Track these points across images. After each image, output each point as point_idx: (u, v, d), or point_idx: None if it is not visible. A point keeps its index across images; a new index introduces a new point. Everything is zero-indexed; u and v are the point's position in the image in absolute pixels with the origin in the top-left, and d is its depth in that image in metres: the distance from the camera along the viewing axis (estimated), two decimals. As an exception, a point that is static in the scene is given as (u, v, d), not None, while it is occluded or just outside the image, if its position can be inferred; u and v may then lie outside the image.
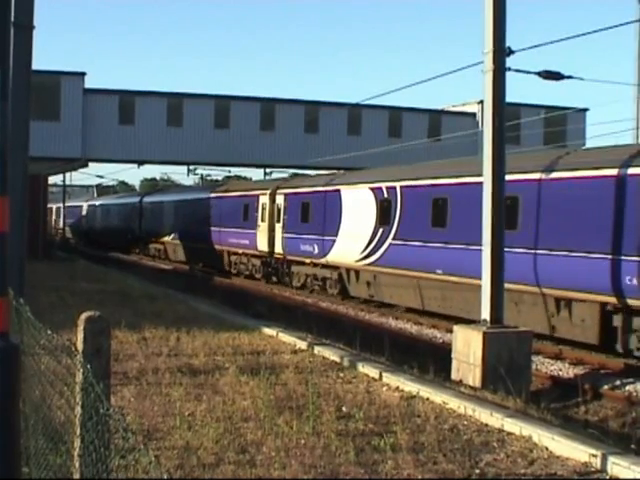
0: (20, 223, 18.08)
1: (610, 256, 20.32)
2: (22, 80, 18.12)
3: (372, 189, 32.62)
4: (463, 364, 17.36)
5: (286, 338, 19.15)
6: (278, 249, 40.68)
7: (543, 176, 23.26)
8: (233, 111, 51.20)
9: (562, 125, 51.99)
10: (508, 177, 20.13)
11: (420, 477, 9.22)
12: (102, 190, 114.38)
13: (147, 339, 18.30)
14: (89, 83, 49.51)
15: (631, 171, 20.16)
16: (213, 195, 52.09)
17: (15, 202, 17.39)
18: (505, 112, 18.09)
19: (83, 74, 48.68)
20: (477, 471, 9.47)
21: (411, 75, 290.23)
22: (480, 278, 18.18)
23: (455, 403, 12.68)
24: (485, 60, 17.98)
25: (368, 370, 15.32)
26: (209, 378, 14.18)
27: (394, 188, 31.01)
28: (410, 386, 13.86)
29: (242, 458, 9.65)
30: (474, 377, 16.89)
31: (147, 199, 68.16)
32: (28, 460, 7.86)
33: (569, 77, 21.38)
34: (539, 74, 20.63)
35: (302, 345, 18.14)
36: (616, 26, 20.64)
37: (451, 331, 19.54)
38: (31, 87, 18.88)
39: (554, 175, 22.92)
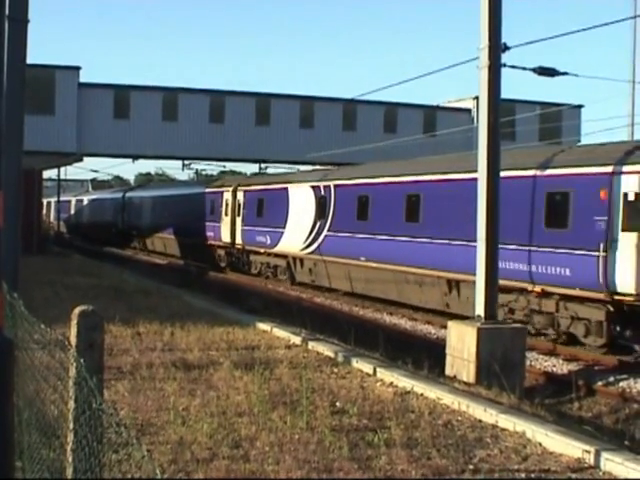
0: (14, 218, 18.04)
1: (469, 243, 22.52)
2: (17, 74, 18.07)
3: (312, 187, 37.38)
4: (457, 360, 17.38)
5: (280, 333, 19.16)
6: (238, 240, 45.32)
7: (437, 177, 28.39)
8: (228, 106, 51.14)
9: (557, 121, 51.98)
10: (413, 178, 29.37)
11: (414, 472, 9.22)
12: (97, 185, 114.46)
13: (141, 334, 18.28)
14: (84, 77, 49.44)
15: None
16: (187, 192, 57.26)
17: (9, 196, 17.34)
18: (500, 108, 18.11)
19: (78, 68, 48.59)
20: (471, 467, 9.47)
21: (406, 71, 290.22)
22: (395, 264, 26.34)
23: (449, 399, 12.69)
24: (480, 56, 17.99)
25: (362, 365, 15.32)
26: (203, 373, 14.17)
27: (329, 187, 35.84)
28: (404, 382, 13.87)
29: (236, 453, 9.64)
30: (468, 373, 16.91)
31: (129, 195, 71.60)
32: (21, 454, 7.85)
33: (564, 73, 21.39)
34: (534, 70, 20.65)
35: (296, 340, 18.15)
36: (611, 23, 20.75)
37: (445, 327, 19.58)
38: (26, 81, 18.83)
39: (444, 177, 27.98)
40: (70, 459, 5.35)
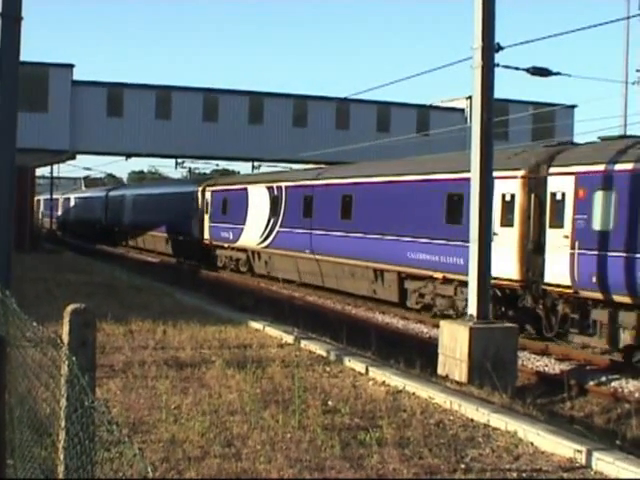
0: (7, 215, 18.01)
1: (398, 238, 29.53)
2: (10, 71, 18.04)
3: (267, 188, 41.54)
4: (449, 359, 17.41)
5: (272, 332, 19.15)
6: (206, 236, 49.03)
7: (367, 180, 32.49)
8: (221, 104, 51.13)
9: (550, 121, 52.05)
10: (347, 180, 34.10)
11: (406, 471, 9.23)
12: (90, 182, 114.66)
13: (133, 332, 18.27)
14: (77, 75, 49.48)
15: (401, 178, 30.32)
16: (164, 191, 61.43)
17: (2, 194, 17.36)
18: (493, 108, 18.13)
19: (71, 66, 48.56)
20: (462, 466, 9.48)
21: (400, 70, 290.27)
22: (333, 256, 32.85)
23: (441, 398, 12.70)
24: (474, 56, 18.01)
25: (354, 364, 15.33)
26: (195, 371, 14.17)
27: (281, 188, 39.95)
28: (396, 381, 13.87)
29: (228, 451, 9.64)
30: (460, 372, 16.94)
31: (112, 193, 75.69)
32: (13, 452, 7.84)
33: (557, 74, 21.46)
34: (527, 70, 20.71)
35: (288, 339, 18.14)
36: (605, 23, 20.73)
37: (437, 326, 19.61)
38: (19, 79, 18.79)
39: (372, 180, 32.14)
40: (62, 457, 5.34)
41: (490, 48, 17.81)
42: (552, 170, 23.16)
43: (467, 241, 21.94)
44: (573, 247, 21.97)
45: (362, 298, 32.47)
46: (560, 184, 22.50)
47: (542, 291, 23.41)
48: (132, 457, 3.84)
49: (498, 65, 18.20)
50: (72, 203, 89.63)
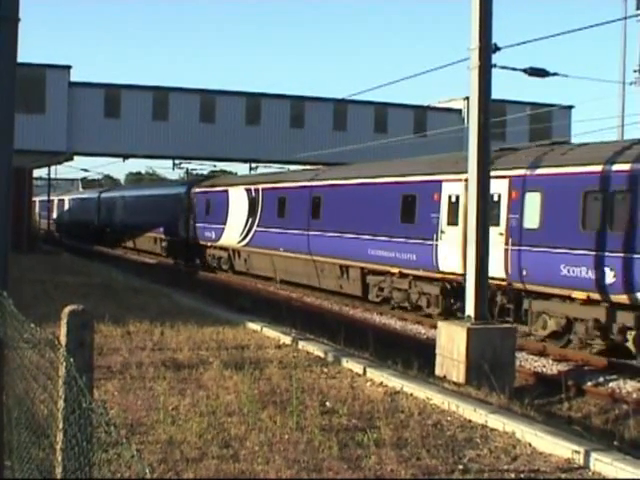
0: (4, 216, 18.00)
1: (360, 236, 31.96)
2: (7, 73, 18.02)
3: (246, 190, 43.85)
4: (447, 360, 17.41)
5: (270, 333, 19.15)
6: (192, 235, 51.27)
7: (334, 182, 35.19)
8: (219, 105, 51.13)
9: (547, 122, 52.04)
10: (314, 183, 36.64)
11: (403, 472, 9.23)
12: (87, 184, 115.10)
13: (131, 333, 18.27)
14: (75, 76, 49.43)
15: (357, 181, 33.26)
16: (154, 192, 63.83)
17: (-1, 195, 17.32)
18: (491, 108, 18.14)
19: (69, 67, 48.56)
20: (460, 467, 9.48)
21: (397, 71, 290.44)
22: (304, 254, 35.52)
23: (439, 399, 12.70)
24: (471, 57, 18.02)
25: (352, 365, 15.33)
26: (193, 372, 14.16)
27: (258, 189, 42.46)
28: (394, 382, 13.87)
29: (225, 453, 9.64)
30: (458, 373, 16.94)
31: (104, 195, 78.77)
32: (11, 454, 7.84)
33: (554, 74, 21.47)
34: (525, 71, 20.71)
35: (286, 340, 18.14)
36: (602, 24, 20.75)
37: (435, 327, 19.61)
38: (16, 80, 18.78)
39: (338, 182, 34.85)
40: (60, 458, 5.34)
41: (487, 49, 17.81)
42: (491, 173, 22.85)
43: (419, 238, 28.17)
44: (507, 243, 24.31)
45: (331, 292, 34.57)
46: (497, 186, 23.37)
47: None
48: (130, 458, 3.84)
49: (495, 66, 18.21)
50: (66, 204, 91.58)
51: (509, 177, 24.44)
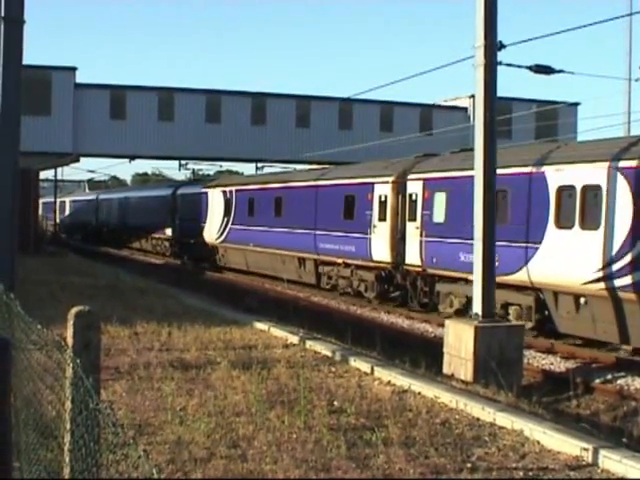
0: (10, 218, 18.04)
1: (313, 232, 36.68)
2: (12, 75, 18.06)
3: (222, 191, 48.52)
4: (455, 358, 17.38)
5: (278, 332, 19.15)
6: (178, 233, 56.69)
7: (292, 184, 40.08)
8: (224, 106, 51.17)
9: (553, 119, 51.99)
10: (277, 185, 41.79)
11: (412, 471, 9.21)
12: (94, 185, 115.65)
13: (138, 334, 18.28)
14: (80, 78, 49.51)
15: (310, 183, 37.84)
16: (142, 194, 69.75)
17: (5, 197, 17.38)
18: (496, 106, 18.10)
19: (74, 69, 48.67)
20: (469, 465, 9.47)
21: (403, 69, 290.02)
22: (269, 248, 40.58)
23: (447, 397, 12.69)
24: (476, 54, 17.98)
25: (360, 364, 15.32)
26: (201, 373, 14.16)
27: (232, 191, 47.08)
28: (402, 380, 13.86)
29: (234, 453, 9.64)
30: (466, 371, 16.91)
31: (101, 197, 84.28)
32: (19, 455, 7.84)
33: (560, 71, 21.38)
34: (530, 68, 20.62)
35: (294, 339, 18.14)
36: (607, 20, 20.71)
37: (442, 325, 19.59)
38: (22, 82, 18.81)
39: (296, 184, 39.72)
40: (67, 459, 5.34)
41: (492, 46, 17.77)
42: (410, 176, 30.30)
43: (357, 232, 32.97)
44: (421, 235, 28.98)
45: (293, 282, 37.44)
46: (414, 187, 29.61)
47: (405, 270, 30.45)
48: (137, 459, 3.83)
49: (500, 63, 18.15)
50: (67, 206, 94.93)
51: (423, 179, 29.28)
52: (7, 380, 5.98)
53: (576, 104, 55.40)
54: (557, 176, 22.74)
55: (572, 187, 22.13)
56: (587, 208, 21.75)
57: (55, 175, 79.62)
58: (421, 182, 29.18)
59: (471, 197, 19.55)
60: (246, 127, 51.06)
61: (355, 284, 33.95)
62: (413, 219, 29.46)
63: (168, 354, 15.95)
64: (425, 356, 17.00)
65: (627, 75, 41.43)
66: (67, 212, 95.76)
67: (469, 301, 23.28)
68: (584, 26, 20.36)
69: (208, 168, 67.11)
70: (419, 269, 29.17)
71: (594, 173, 21.29)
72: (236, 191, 46.44)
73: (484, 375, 16.30)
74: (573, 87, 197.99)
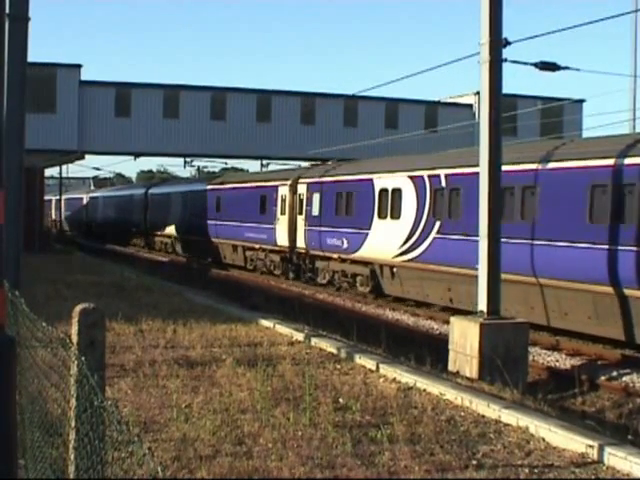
0: (16, 216, 18.06)
1: (241, 224, 45.31)
2: (17, 72, 18.08)
3: (181, 192, 58.71)
4: (460, 355, 17.38)
5: (283, 330, 19.15)
6: (149, 227, 65.39)
7: (227, 186, 48.50)
8: (229, 103, 51.17)
9: (558, 116, 51.91)
10: (217, 186, 50.33)
11: (417, 468, 9.21)
12: (99, 182, 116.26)
13: (144, 331, 18.28)
14: (85, 75, 49.52)
15: (274, 183, 42.73)
16: (120, 193, 78.77)
17: (11, 195, 17.38)
18: (501, 103, 18.07)
19: (79, 66, 48.67)
20: (474, 462, 9.46)
21: (408, 66, 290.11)
22: (213, 238, 49.72)
23: (452, 394, 12.68)
24: (481, 51, 17.95)
25: (365, 361, 15.32)
26: (206, 370, 14.17)
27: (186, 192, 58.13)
28: (407, 377, 13.86)
29: (239, 450, 9.64)
30: (471, 368, 16.91)
31: (90, 194, 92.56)
32: (24, 452, 7.86)
33: (565, 68, 21.33)
34: (535, 65, 20.58)
35: (299, 337, 18.14)
36: (613, 17, 20.64)
37: (448, 322, 19.58)
38: (27, 79, 18.83)
39: (228, 186, 48.77)
40: (72, 457, 5.35)
41: (497, 43, 17.75)
42: (300, 181, 39.30)
43: (268, 224, 41.73)
44: (306, 225, 37.90)
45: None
46: (302, 189, 38.86)
47: (297, 253, 39.50)
48: (142, 457, 3.84)
49: (506, 60, 18.13)
50: (63, 204, 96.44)
51: (306, 183, 38.41)
52: (12, 378, 5.98)
53: (581, 101, 55.33)
54: (378, 182, 32.17)
55: (386, 189, 31.51)
56: (394, 203, 30.95)
57: (60, 173, 79.90)
58: (305, 185, 38.63)
59: (333, 196, 35.50)
60: (251, 124, 51.06)
61: (268, 264, 43.28)
62: (301, 213, 38.64)
63: (173, 351, 15.96)
64: (430, 353, 17.00)
65: (632, 72, 41.38)
66: (62, 209, 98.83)
67: (334, 274, 36.53)
68: (589, 23, 20.36)
69: (214, 165, 67.24)
70: (304, 251, 38.58)
71: (397, 180, 30.87)
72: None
73: (489, 372, 16.29)
74: (579, 84, 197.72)
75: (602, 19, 23.50)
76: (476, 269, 18.67)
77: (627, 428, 14.47)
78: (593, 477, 9.22)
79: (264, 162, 56.05)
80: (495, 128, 17.79)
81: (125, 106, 49.35)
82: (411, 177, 29.80)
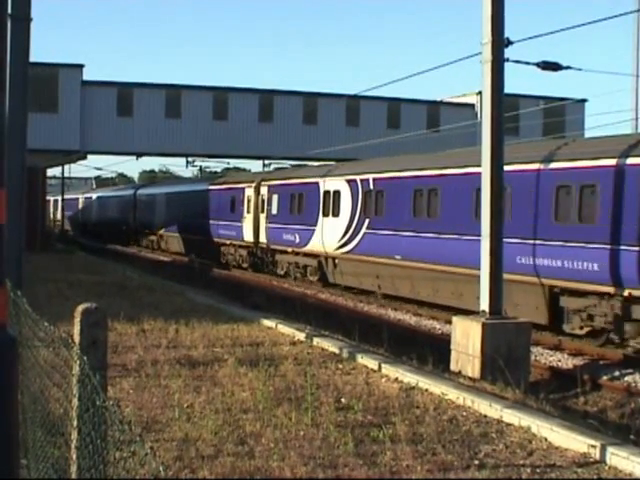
0: (18, 215, 18.07)
1: (215, 222, 50.81)
2: (20, 72, 18.10)
3: (165, 193, 63.61)
4: (462, 355, 17.36)
5: (285, 329, 19.15)
6: (138, 225, 70.02)
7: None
8: (232, 102, 51.17)
9: (561, 116, 51.88)
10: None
11: (419, 468, 9.21)
12: (101, 182, 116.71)
13: (146, 331, 18.29)
14: (87, 75, 49.55)
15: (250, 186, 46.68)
16: (111, 194, 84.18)
17: (13, 194, 17.39)
18: (504, 103, 18.04)
19: (81, 66, 48.70)
20: (476, 462, 9.46)
21: (410, 66, 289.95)
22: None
23: (454, 394, 12.68)
24: (483, 51, 17.93)
25: (367, 361, 15.32)
26: (208, 370, 14.17)
27: (168, 192, 63.43)
28: (409, 377, 13.86)
29: (241, 449, 9.64)
30: (473, 368, 16.89)
31: (84, 195, 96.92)
32: (26, 452, 7.86)
33: (568, 68, 21.30)
34: (538, 65, 20.55)
35: (301, 336, 18.14)
36: (615, 16, 20.63)
37: (450, 322, 19.57)
38: (29, 79, 18.84)
39: (209, 187, 53.47)
40: (74, 457, 5.35)
41: (499, 43, 17.72)
42: (262, 183, 44.20)
43: (237, 222, 46.70)
44: (267, 223, 42.71)
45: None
46: (264, 190, 43.75)
47: (260, 248, 44.08)
48: (144, 456, 3.83)
49: (508, 60, 18.10)
50: (59, 205, 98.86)
51: (268, 185, 43.35)
52: (14, 377, 5.98)
53: (583, 100, 55.29)
54: (323, 185, 36.88)
55: (329, 191, 36.21)
56: (335, 203, 35.57)
57: (62, 172, 79.94)
58: (267, 187, 43.63)
59: (288, 197, 40.66)
60: (253, 124, 51.07)
61: (237, 258, 48.00)
62: (263, 212, 43.39)
63: (175, 351, 15.96)
64: (432, 353, 16.98)
65: (634, 71, 41.34)
66: (59, 209, 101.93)
67: (289, 265, 41.18)
68: (591, 22, 20.34)
69: (216, 165, 67.23)
70: (266, 246, 43.37)
71: (337, 183, 35.86)
72: (167, 193, 62.87)
73: (491, 372, 16.27)
74: (581, 83, 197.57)
75: (604, 19, 23.54)
76: (396, 259, 26.78)
77: (629, 428, 14.46)
78: (595, 477, 9.22)
79: (266, 162, 56.02)
80: (497, 128, 17.76)
81: (127, 106, 49.37)
82: (347, 180, 35.03)
